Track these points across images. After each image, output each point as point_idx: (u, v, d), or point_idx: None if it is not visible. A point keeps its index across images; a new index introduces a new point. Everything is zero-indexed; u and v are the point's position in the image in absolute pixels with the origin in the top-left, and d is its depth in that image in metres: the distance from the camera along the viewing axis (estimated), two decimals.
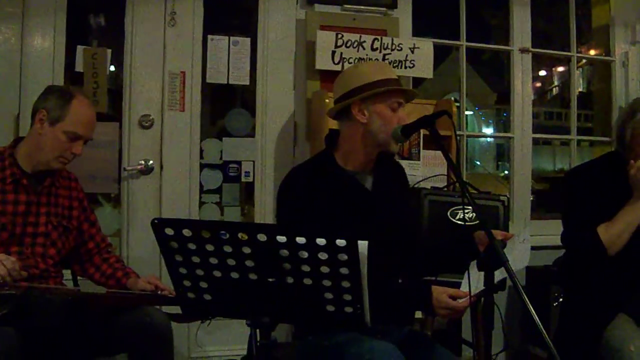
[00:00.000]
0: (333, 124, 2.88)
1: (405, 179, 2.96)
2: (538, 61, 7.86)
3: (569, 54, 5.18)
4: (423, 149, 4.08)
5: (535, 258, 4.28)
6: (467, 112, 5.17)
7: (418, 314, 3.59)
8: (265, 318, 1.94)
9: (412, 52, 4.34)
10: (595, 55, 5.51)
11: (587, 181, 3.10)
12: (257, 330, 1.96)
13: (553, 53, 5.52)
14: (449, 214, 3.51)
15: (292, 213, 2.61)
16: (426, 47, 4.40)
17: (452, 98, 5.29)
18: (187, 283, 1.95)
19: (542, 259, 4.34)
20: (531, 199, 5.11)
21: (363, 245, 1.78)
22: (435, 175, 3.95)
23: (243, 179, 4.32)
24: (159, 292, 2.85)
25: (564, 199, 3.20)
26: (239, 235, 1.80)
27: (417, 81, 4.79)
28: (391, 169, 2.89)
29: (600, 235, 2.88)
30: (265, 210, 4.29)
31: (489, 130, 24.41)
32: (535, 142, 5.07)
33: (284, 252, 1.80)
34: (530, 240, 2.57)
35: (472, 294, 2.39)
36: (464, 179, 2.72)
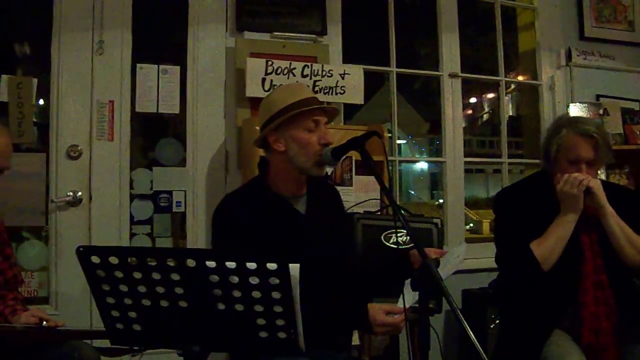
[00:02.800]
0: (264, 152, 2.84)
1: (339, 203, 2.95)
2: (468, 89, 7.99)
3: (497, 78, 5.28)
4: (355, 174, 4.06)
5: (471, 280, 4.33)
6: (400, 141, 5.22)
7: (355, 340, 3.56)
8: (196, 347, 1.89)
9: (343, 78, 4.34)
10: (523, 80, 5.63)
11: (516, 201, 3.14)
12: None
13: (482, 78, 5.64)
14: (382, 237, 3.50)
15: (226, 240, 2.56)
16: (356, 73, 4.41)
17: (387, 129, 5.33)
18: (115, 313, 1.89)
19: (477, 281, 4.37)
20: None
21: (294, 268, 1.75)
22: (368, 200, 3.95)
23: (175, 209, 4.25)
24: (44, 324, 2.71)
25: (495, 221, 3.23)
26: (168, 261, 1.75)
27: (350, 110, 4.80)
28: (326, 192, 2.88)
29: (533, 251, 2.89)
30: (197, 240, 4.22)
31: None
32: (468, 170, 5.12)
33: (214, 278, 1.77)
34: (463, 259, 2.57)
35: (406, 307, 2.38)
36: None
